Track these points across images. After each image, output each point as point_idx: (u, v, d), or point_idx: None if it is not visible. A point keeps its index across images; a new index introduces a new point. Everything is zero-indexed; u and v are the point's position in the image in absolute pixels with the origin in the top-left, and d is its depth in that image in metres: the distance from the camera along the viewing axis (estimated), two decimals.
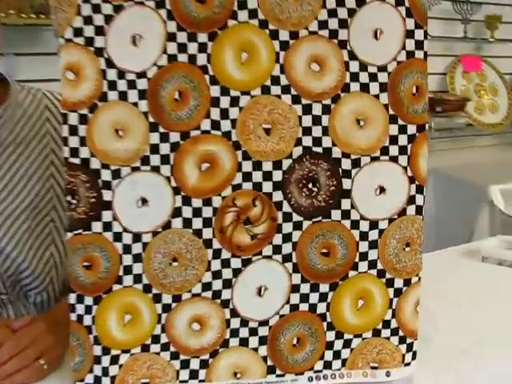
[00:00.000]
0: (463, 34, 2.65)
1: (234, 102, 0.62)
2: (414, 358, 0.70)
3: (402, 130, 0.65)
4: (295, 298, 0.67)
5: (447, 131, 2.51)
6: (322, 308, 0.67)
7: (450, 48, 2.65)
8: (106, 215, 0.63)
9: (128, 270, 0.64)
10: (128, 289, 0.64)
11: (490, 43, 2.71)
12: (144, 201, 0.63)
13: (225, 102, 0.62)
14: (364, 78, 0.64)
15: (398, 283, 0.68)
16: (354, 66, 0.64)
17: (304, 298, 0.67)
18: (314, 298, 0.67)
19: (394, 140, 0.65)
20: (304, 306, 0.67)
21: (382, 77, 0.64)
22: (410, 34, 0.64)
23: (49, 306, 0.84)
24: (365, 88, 0.64)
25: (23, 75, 1.56)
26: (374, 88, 0.64)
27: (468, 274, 1.12)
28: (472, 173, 2.42)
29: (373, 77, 0.64)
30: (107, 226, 0.63)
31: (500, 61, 2.78)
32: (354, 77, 0.64)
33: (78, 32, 0.60)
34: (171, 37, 0.61)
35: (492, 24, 2.65)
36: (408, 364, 0.70)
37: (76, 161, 0.62)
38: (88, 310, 0.64)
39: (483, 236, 2.22)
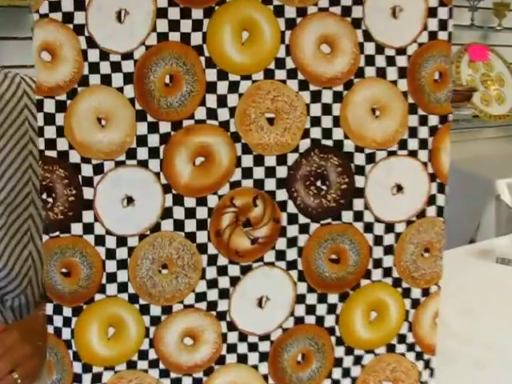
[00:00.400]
0: (470, 21, 2.58)
1: (233, 87, 0.58)
2: (431, 375, 0.67)
3: (423, 121, 0.61)
4: (300, 310, 0.63)
5: (454, 123, 2.44)
6: (330, 321, 0.63)
7: (457, 36, 2.57)
8: (87, 216, 0.59)
9: (112, 277, 0.60)
10: (112, 299, 0.61)
11: (497, 31, 2.65)
12: (130, 200, 0.59)
13: (222, 87, 0.58)
14: (380, 61, 0.60)
15: (416, 293, 0.64)
16: (370, 48, 0.60)
17: (310, 309, 0.63)
18: (321, 309, 0.63)
19: (413, 132, 0.61)
20: (310, 319, 0.63)
21: (401, 60, 0.60)
22: (432, 13, 0.60)
23: (28, 311, 0.79)
24: (381, 73, 0.60)
25: (7, 61, 1.47)
26: (392, 73, 0.60)
27: (481, 275, 1.06)
28: (478, 166, 2.37)
29: (390, 60, 0.60)
30: (88, 228, 0.59)
31: (507, 50, 2.71)
32: (369, 60, 0.60)
33: (54, 6, 0.56)
34: (162, 13, 0.57)
35: (500, 12, 2.58)
36: (425, 383, 0.66)
37: (53, 154, 0.58)
38: (67, 322, 0.61)
39: (489, 230, 2.17)
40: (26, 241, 0.79)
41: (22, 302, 0.80)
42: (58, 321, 0.60)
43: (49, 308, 0.60)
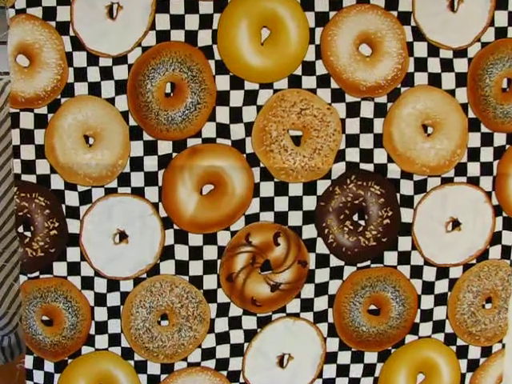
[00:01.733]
0: None
1: (250, 98, 0.54)
2: None
3: (487, 140, 0.56)
4: (330, 371, 0.58)
5: None
6: None
7: None
8: (72, 253, 0.55)
9: (101, 327, 0.56)
10: (102, 353, 0.57)
11: None
12: (123, 235, 0.54)
13: (236, 98, 0.54)
14: (434, 66, 0.55)
15: (474, 353, 0.59)
16: (421, 50, 0.55)
17: (343, 370, 0.58)
18: (356, 370, 0.58)
19: (474, 155, 0.56)
20: (342, 382, 0.58)
21: (460, 65, 0.55)
22: (501, 3, 0.55)
23: (20, 351, 0.76)
24: (435, 80, 0.55)
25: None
26: (448, 81, 0.55)
27: None
28: None
29: (447, 65, 0.55)
30: (73, 268, 0.55)
31: None
32: (420, 64, 0.55)
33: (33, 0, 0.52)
34: (162, 7, 0.53)
35: None
36: None
37: (31, 178, 0.54)
38: (49, 378, 0.57)
39: None
40: (16, 274, 0.72)
41: (13, 342, 0.75)
42: (38, 377, 0.57)
43: (28, 361, 0.57)
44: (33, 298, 0.55)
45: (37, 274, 0.55)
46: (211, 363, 0.57)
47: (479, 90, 0.55)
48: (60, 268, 0.55)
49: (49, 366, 0.57)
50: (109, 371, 0.57)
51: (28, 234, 0.54)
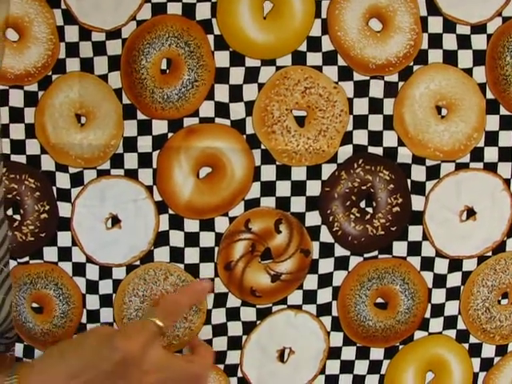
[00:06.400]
0: None
1: (251, 75, 0.52)
2: None
3: (506, 123, 0.54)
4: (334, 367, 0.57)
5: None
6: (372, 382, 0.58)
7: None
8: (63, 238, 0.54)
9: (93, 316, 0.55)
10: None
11: None
12: (115, 220, 0.53)
13: (237, 75, 0.52)
14: (450, 42, 0.53)
15: (488, 351, 0.57)
16: (435, 25, 0.52)
17: (347, 366, 0.57)
18: (361, 367, 0.57)
19: (492, 138, 0.54)
20: (346, 379, 0.57)
21: (479, 41, 0.53)
22: None
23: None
24: (451, 58, 0.53)
25: None
26: (465, 58, 0.53)
27: None
28: None
29: (464, 41, 0.53)
30: (64, 254, 0.54)
31: None
32: (435, 41, 0.53)
33: None
34: None
35: None
36: None
37: (21, 159, 0.53)
38: None
39: None
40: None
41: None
42: None
43: (18, 349, 0.56)
44: (23, 283, 0.54)
45: (26, 259, 0.53)
46: None
47: (499, 68, 0.52)
48: (50, 253, 0.53)
49: (39, 355, 0.55)
50: None
51: (17, 217, 0.53)
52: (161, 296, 0.54)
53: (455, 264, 0.55)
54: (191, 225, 0.53)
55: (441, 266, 0.55)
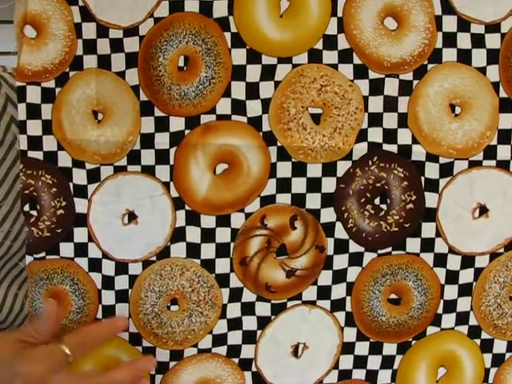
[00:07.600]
0: None
1: (268, 73, 0.52)
2: None
3: None
4: (347, 362, 0.57)
5: None
6: (385, 377, 0.57)
7: None
8: (79, 234, 0.54)
9: (109, 311, 0.54)
10: None
11: None
12: (132, 216, 0.53)
13: (253, 73, 0.52)
14: (464, 41, 0.53)
15: (500, 347, 0.57)
16: (450, 24, 0.52)
17: (360, 362, 0.57)
18: (374, 362, 0.57)
19: (505, 137, 0.54)
20: (359, 374, 0.57)
21: (492, 40, 0.53)
22: None
23: None
24: (465, 57, 0.53)
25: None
26: (479, 57, 0.53)
27: None
28: None
29: (478, 40, 0.53)
30: (80, 250, 0.54)
31: None
32: (449, 40, 0.53)
33: None
34: None
35: None
36: None
37: (38, 155, 0.52)
38: None
39: None
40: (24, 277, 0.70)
41: None
42: None
43: None
44: (39, 279, 0.54)
45: (43, 254, 0.53)
46: (222, 350, 0.55)
47: None
48: (67, 249, 0.53)
49: None
50: (116, 356, 0.54)
51: (34, 212, 0.53)
52: (78, 327, 0.53)
53: (468, 260, 0.55)
54: (207, 221, 0.53)
55: (453, 263, 0.55)
